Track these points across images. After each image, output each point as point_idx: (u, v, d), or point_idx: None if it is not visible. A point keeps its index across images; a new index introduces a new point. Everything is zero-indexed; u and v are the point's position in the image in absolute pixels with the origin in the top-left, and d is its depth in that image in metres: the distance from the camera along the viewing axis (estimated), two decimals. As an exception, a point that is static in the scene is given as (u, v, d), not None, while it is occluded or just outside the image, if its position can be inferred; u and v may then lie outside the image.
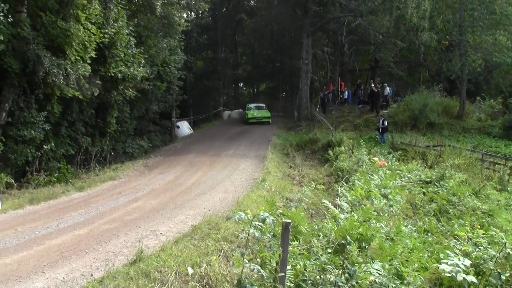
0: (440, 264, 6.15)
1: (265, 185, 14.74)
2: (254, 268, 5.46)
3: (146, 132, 30.07)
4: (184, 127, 38.01)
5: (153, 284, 6.53)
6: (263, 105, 44.73)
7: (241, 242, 8.43)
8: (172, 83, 32.77)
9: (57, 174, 18.22)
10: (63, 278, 7.30)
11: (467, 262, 6.03)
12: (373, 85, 35.35)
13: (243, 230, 7.65)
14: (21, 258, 8.30)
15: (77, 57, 17.44)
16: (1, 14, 13.72)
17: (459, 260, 6.03)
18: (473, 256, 7.17)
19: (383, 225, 9.32)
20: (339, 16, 36.94)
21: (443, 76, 37.03)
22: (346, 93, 42.25)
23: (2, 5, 13.78)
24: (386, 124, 26.41)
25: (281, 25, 47.70)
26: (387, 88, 36.44)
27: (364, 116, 33.97)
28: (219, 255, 7.81)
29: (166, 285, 6.48)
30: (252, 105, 44.37)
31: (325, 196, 13.42)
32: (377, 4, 31.18)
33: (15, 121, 16.66)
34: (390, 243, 8.18)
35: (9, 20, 14.39)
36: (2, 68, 15.31)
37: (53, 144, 18.35)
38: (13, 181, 16.15)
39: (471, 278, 5.77)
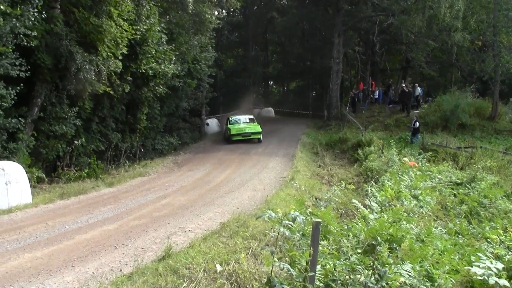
0: (472, 267, 6.06)
1: (294, 184, 14.67)
2: (283, 267, 5.44)
3: (176, 129, 30.24)
4: (214, 125, 38.10)
5: (181, 280, 6.51)
6: (252, 116, 33.25)
7: (269, 241, 8.39)
8: (202, 80, 32.84)
9: (87, 170, 18.46)
10: (93, 272, 7.34)
11: (500, 266, 5.94)
12: (404, 85, 34.91)
13: (271, 228, 7.64)
14: (51, 252, 8.37)
15: (108, 53, 17.61)
16: (35, 10, 13.89)
17: (491, 263, 5.94)
18: (506, 260, 7.06)
19: (413, 226, 9.21)
20: (371, 15, 36.66)
21: (476, 77, 36.45)
22: (377, 92, 41.84)
23: (37, 1, 13.95)
24: (418, 125, 26.09)
25: (312, 23, 47.50)
26: (418, 88, 36.02)
27: (394, 116, 33.60)
28: (248, 253, 7.77)
29: (195, 282, 6.46)
30: (236, 118, 31.56)
31: (354, 196, 13.32)
32: (410, 4, 30.87)
33: (47, 116, 16.91)
34: (421, 244, 8.07)
35: (43, 16, 14.54)
36: (35, 64, 15.51)
37: (83, 139, 18.59)
38: (44, 175, 16.38)
39: (504, 282, 5.67)
